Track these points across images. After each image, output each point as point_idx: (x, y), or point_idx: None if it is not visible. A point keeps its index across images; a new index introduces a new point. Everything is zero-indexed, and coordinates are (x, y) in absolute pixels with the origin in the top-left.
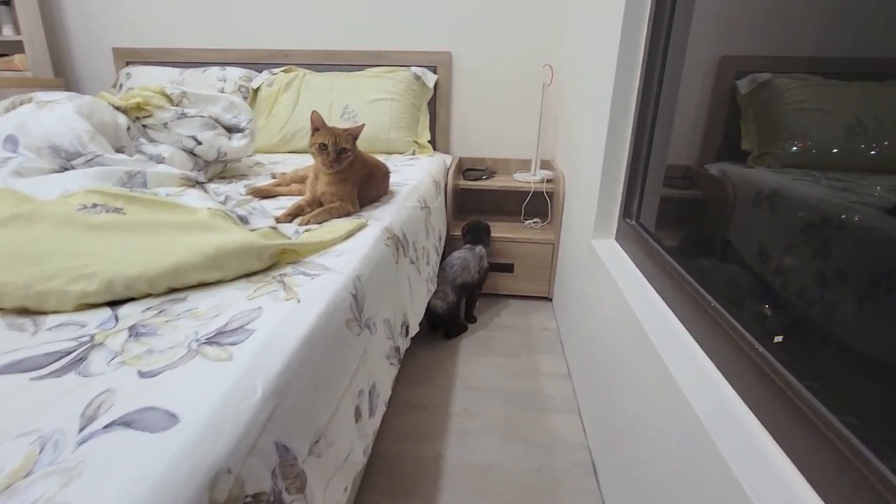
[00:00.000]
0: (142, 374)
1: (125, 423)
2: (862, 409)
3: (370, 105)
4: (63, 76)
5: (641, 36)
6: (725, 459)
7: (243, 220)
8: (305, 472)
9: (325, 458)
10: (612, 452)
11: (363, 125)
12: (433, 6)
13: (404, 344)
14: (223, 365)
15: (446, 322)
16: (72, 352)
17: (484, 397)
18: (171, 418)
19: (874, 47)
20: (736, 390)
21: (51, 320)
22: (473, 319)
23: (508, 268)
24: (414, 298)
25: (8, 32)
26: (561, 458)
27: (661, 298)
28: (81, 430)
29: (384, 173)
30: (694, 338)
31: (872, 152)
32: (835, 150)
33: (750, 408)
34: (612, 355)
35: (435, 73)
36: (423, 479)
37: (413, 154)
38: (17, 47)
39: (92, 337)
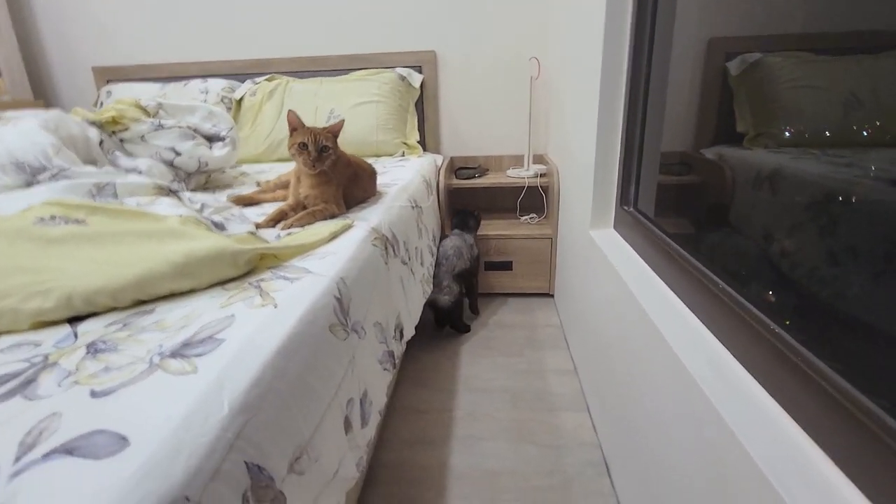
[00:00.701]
0: (94, 394)
1: (67, 450)
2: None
3: (356, 108)
4: (43, 97)
5: (626, 21)
6: (744, 446)
7: (219, 227)
8: (284, 493)
9: (310, 475)
10: (625, 449)
11: (342, 121)
12: (414, 6)
13: (399, 348)
14: (186, 379)
15: (452, 315)
16: (21, 374)
17: (489, 399)
18: (121, 441)
19: (862, 20)
20: (749, 371)
21: (4, 341)
22: (477, 312)
23: (507, 265)
24: (408, 300)
25: None
26: (572, 459)
27: (664, 283)
28: (17, 460)
29: (370, 174)
30: (701, 321)
31: (868, 125)
32: (831, 126)
33: (764, 387)
34: (619, 346)
35: (420, 72)
36: (428, 488)
37: (403, 155)
38: None
39: (46, 357)
